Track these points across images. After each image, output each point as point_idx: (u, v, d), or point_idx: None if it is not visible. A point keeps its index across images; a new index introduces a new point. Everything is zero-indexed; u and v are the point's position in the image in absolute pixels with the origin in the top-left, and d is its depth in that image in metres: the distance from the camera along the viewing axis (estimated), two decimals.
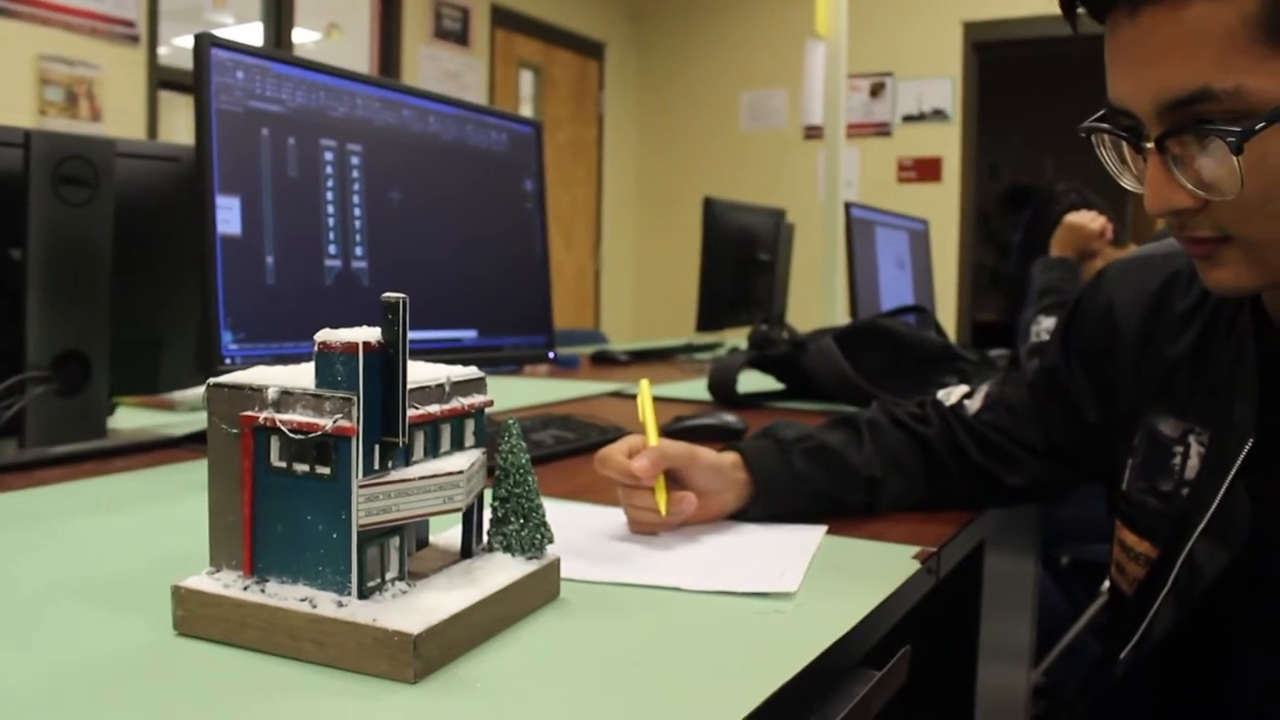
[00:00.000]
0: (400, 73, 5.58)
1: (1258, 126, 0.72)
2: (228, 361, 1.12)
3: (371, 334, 0.64)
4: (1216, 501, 0.87)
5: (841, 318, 3.26)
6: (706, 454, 1.00)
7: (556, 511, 0.82)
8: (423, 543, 0.77)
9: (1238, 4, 0.72)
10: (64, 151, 1.21)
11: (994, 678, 1.48)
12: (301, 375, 0.66)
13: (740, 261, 2.95)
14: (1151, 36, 0.76)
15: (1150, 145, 0.79)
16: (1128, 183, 0.86)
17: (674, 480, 0.97)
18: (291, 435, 0.63)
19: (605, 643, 0.69)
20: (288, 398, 0.64)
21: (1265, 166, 0.74)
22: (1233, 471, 0.86)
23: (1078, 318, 1.07)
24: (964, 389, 1.18)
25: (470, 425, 0.73)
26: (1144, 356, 0.99)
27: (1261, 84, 0.72)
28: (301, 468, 0.64)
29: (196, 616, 0.65)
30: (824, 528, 1.00)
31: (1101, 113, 0.84)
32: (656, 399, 1.05)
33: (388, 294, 0.64)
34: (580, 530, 0.96)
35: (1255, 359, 0.89)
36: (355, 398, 0.62)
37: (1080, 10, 0.83)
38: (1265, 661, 0.91)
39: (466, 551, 0.75)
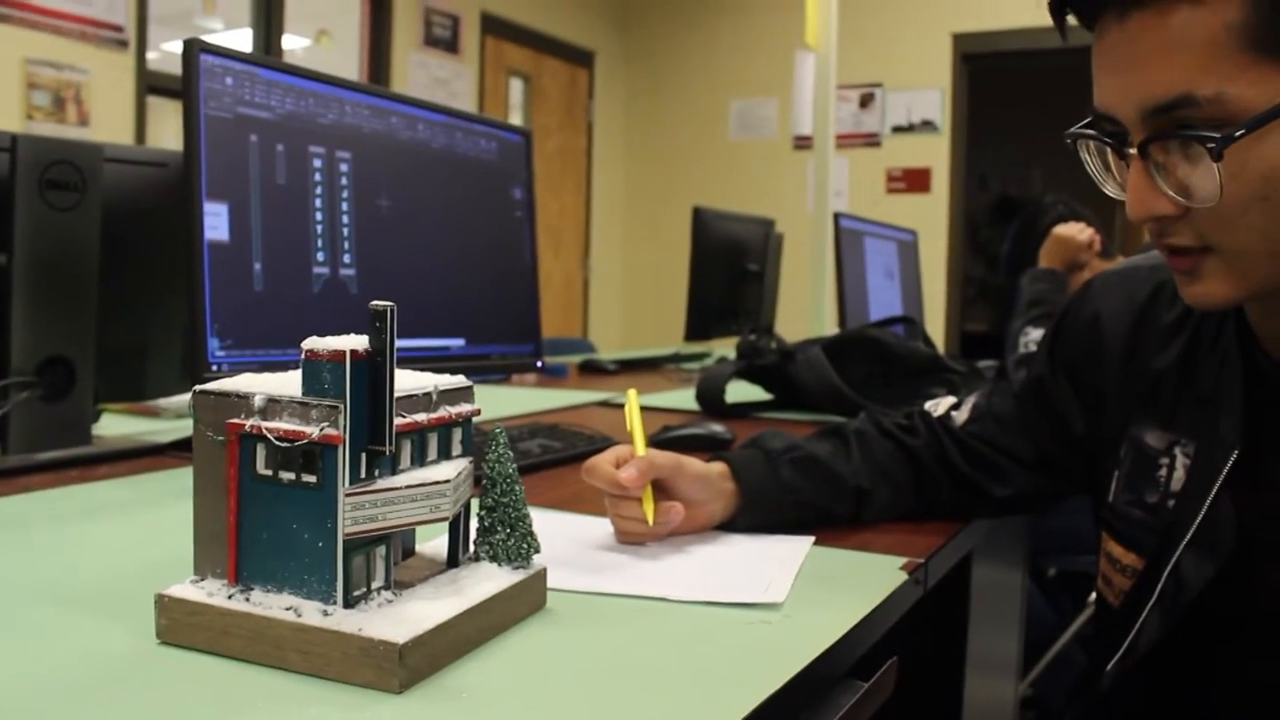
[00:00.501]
0: (390, 80, 5.57)
1: (1237, 134, 0.73)
2: (214, 368, 1.11)
3: (359, 342, 0.64)
4: (1202, 513, 0.87)
5: (830, 328, 3.26)
6: (694, 464, 1.00)
7: (543, 521, 0.81)
8: (409, 552, 0.77)
9: (1222, 12, 0.73)
10: (51, 156, 1.21)
11: (981, 689, 1.48)
12: (288, 383, 0.66)
13: (729, 271, 2.95)
14: (1138, 42, 0.76)
15: (1133, 151, 0.79)
16: (1111, 189, 0.86)
17: (661, 490, 0.97)
18: (277, 443, 0.63)
19: (591, 653, 0.68)
20: (274, 405, 0.64)
21: (1245, 175, 0.75)
22: (1218, 483, 0.87)
23: (1064, 329, 1.08)
24: (951, 400, 1.18)
25: (457, 434, 0.73)
26: (1130, 368, 1.00)
27: (1243, 92, 0.73)
28: (287, 476, 0.63)
29: (180, 625, 0.65)
30: (811, 538, 1.00)
31: (1087, 119, 0.85)
32: (644, 409, 1.05)
33: (375, 302, 0.63)
34: (567, 540, 0.95)
35: (1240, 371, 0.89)
36: (342, 406, 0.62)
37: (1070, 17, 0.83)
38: (1251, 672, 0.91)
39: (453, 561, 0.75)
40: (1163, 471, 0.94)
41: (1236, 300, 0.83)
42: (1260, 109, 0.73)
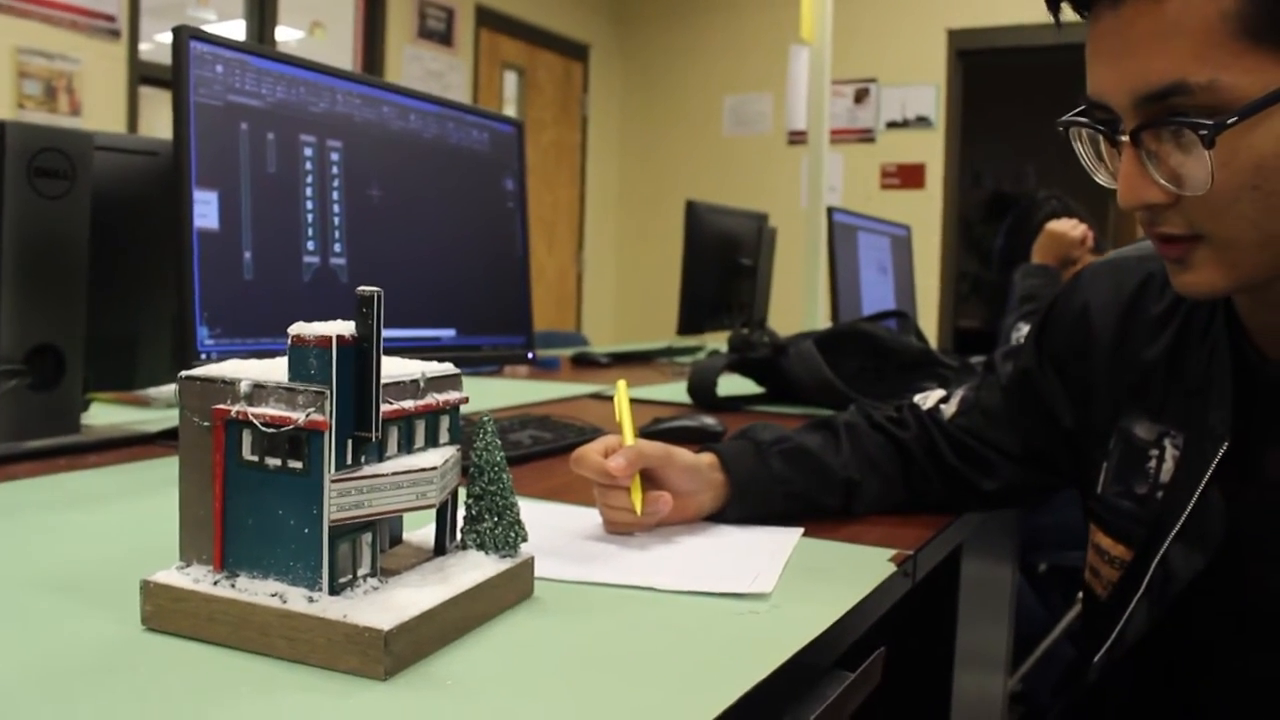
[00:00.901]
0: (384, 72, 5.56)
1: (1230, 121, 0.73)
2: (204, 357, 1.11)
3: (345, 327, 0.63)
4: (1191, 504, 0.87)
5: (823, 322, 3.27)
6: (683, 454, 0.99)
7: (531, 511, 0.81)
8: (396, 539, 0.76)
9: None
10: (40, 143, 1.20)
11: (971, 683, 1.49)
12: (275, 369, 0.65)
13: (722, 265, 2.95)
14: (1132, 28, 0.76)
15: (1125, 139, 0.79)
16: (1102, 178, 0.86)
17: (650, 481, 0.97)
18: (263, 429, 0.63)
19: (578, 642, 0.68)
20: (260, 391, 0.64)
21: (1237, 163, 0.74)
22: (1207, 475, 0.87)
23: (1052, 321, 1.07)
24: (940, 393, 1.18)
25: (445, 422, 0.73)
26: (1119, 359, 0.99)
27: (1237, 80, 0.73)
28: (273, 462, 0.63)
29: (166, 611, 0.65)
30: (800, 530, 1.00)
31: (1080, 107, 0.84)
32: (636, 401, 1.05)
33: (362, 287, 0.63)
34: (555, 529, 0.95)
35: (1229, 363, 0.89)
36: (328, 391, 0.62)
37: (1065, 4, 0.83)
38: (1239, 665, 0.91)
39: (440, 549, 0.75)
40: (1152, 463, 0.94)
41: (1226, 290, 0.83)
42: (1253, 97, 0.73)
